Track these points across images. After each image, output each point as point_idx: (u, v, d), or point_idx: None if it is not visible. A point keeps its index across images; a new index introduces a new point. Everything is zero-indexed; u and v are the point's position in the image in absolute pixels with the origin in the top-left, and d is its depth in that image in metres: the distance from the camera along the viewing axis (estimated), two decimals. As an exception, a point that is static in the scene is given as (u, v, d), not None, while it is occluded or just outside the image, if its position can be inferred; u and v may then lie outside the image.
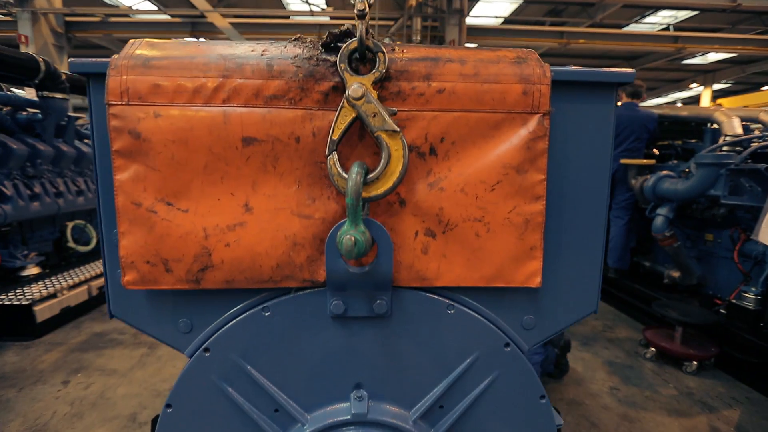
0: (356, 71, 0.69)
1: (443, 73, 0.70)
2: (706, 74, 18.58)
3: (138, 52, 0.69)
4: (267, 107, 0.68)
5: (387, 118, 0.66)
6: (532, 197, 0.72)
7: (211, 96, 0.67)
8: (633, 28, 13.54)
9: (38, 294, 3.69)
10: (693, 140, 4.68)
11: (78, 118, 5.57)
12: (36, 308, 3.60)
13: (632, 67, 15.63)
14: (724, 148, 3.58)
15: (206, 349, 0.78)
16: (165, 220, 0.69)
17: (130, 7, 11.26)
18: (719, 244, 3.87)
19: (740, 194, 3.34)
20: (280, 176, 0.71)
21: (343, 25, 0.71)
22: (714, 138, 4.06)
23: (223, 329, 0.78)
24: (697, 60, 16.20)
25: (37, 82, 4.03)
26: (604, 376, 3.17)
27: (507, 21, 12.57)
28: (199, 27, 11.11)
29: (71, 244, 4.51)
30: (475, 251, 0.74)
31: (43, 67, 3.96)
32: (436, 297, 0.79)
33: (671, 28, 13.05)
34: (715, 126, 4.10)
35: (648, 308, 3.92)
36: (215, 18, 9.94)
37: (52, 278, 4.15)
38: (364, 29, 0.66)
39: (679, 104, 23.56)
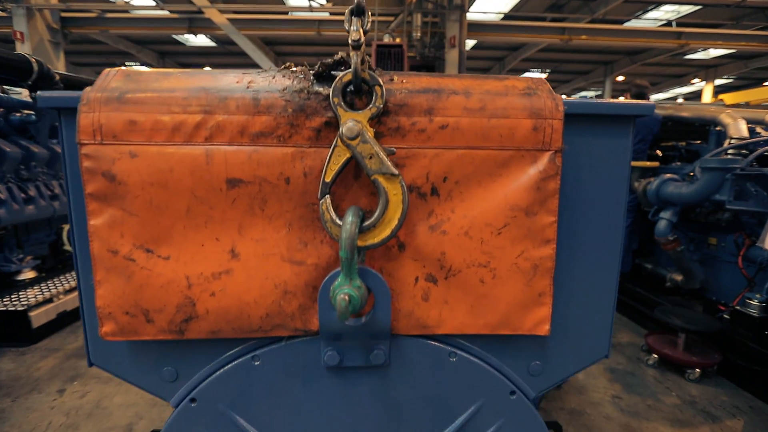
0: (351, 106, 0.63)
1: (446, 107, 0.64)
2: (708, 69, 18.46)
3: (113, 84, 0.63)
4: (253, 145, 0.63)
5: (385, 160, 0.60)
6: (541, 241, 0.67)
7: (193, 134, 0.61)
8: (635, 23, 13.39)
9: (34, 299, 3.64)
10: (697, 141, 4.61)
11: (73, 118, 5.51)
12: (32, 314, 3.56)
13: (633, 62, 15.56)
14: (730, 152, 3.51)
15: (193, 399, 0.73)
16: (144, 268, 0.63)
17: (127, 2, 11.11)
18: (723, 248, 3.82)
19: (746, 199, 3.28)
20: (269, 219, 0.65)
21: (337, 53, 0.66)
22: (719, 140, 3.99)
23: (210, 378, 0.73)
24: (699, 55, 16.07)
25: (30, 83, 3.95)
26: (605, 384, 3.13)
27: (507, 16, 12.43)
28: (196, 23, 10.98)
29: (67, 246, 4.46)
30: (479, 298, 0.69)
31: (36, 67, 3.87)
32: (437, 344, 0.74)
33: (674, 23, 12.90)
34: (720, 128, 4.03)
35: (650, 312, 3.88)
36: (213, 14, 9.82)
37: (48, 282, 4.10)
38: (359, 60, 0.60)
39: (680, 100, 23.41)
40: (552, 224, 0.66)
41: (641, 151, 4.45)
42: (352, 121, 0.60)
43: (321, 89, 0.64)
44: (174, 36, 13.11)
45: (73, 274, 4.28)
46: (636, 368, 3.36)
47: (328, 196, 0.62)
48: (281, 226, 0.66)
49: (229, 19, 10.14)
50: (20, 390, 2.92)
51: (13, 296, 3.67)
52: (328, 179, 0.62)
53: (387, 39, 9.12)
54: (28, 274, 3.99)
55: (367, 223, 0.62)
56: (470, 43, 13.42)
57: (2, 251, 3.92)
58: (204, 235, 0.64)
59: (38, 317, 3.59)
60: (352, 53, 0.60)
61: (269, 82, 0.65)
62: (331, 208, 0.62)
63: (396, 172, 0.61)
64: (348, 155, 0.61)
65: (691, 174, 3.68)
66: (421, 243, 0.67)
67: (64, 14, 10.48)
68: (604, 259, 0.72)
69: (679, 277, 4.15)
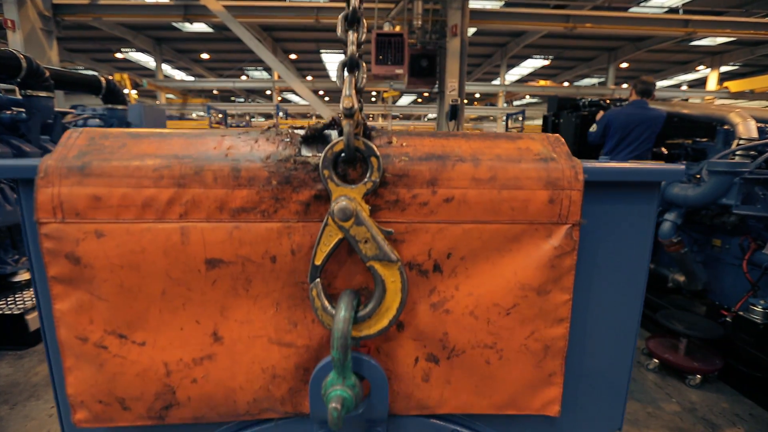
0: (344, 177, 0.56)
1: (452, 177, 0.57)
2: (713, 56, 18.13)
3: (74, 151, 0.56)
4: (234, 221, 0.56)
5: (383, 245, 0.53)
6: (554, 320, 0.61)
7: (165, 210, 0.55)
8: (639, 9, 13.05)
9: (30, 302, 3.60)
10: (704, 139, 4.51)
11: (66, 113, 5.38)
12: (28, 317, 3.52)
13: (638, 49, 15.25)
14: (738, 154, 3.43)
15: (176, 479, 0.68)
16: (118, 356, 0.58)
17: (120, -13, 10.81)
18: (727, 250, 3.76)
19: (754, 203, 3.21)
20: (254, 300, 0.59)
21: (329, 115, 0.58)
22: (727, 139, 3.89)
23: (194, 458, 0.68)
24: (705, 42, 15.74)
25: (19, 80, 3.84)
26: None
27: (509, 3, 12.12)
28: (191, 10, 10.70)
29: (63, 247, 4.40)
30: (484, 378, 0.63)
31: (24, 64, 3.75)
32: (437, 422, 0.69)
33: (681, 10, 12.56)
34: (729, 127, 3.93)
35: (652, 314, 3.84)
36: (209, 1, 9.54)
37: (45, 284, 4.04)
38: (352, 130, 0.53)
39: (684, 87, 23.01)
40: (566, 303, 0.60)
41: (647, 150, 4.36)
42: (344, 200, 0.53)
43: (309, 156, 0.57)
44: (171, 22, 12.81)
45: (70, 274, 4.23)
46: (636, 373, 3.34)
47: (318, 280, 0.56)
48: (268, 306, 0.59)
49: (226, 6, 9.86)
50: (18, 396, 2.91)
51: (9, 299, 3.63)
52: (318, 262, 0.55)
53: (387, 27, 8.91)
54: (25, 276, 3.94)
55: (361, 313, 0.55)
56: (471, 30, 13.14)
57: (-4, 253, 3.85)
58: (183, 318, 0.58)
59: (35, 321, 3.56)
60: (344, 121, 0.52)
61: (251, 147, 0.58)
62: (322, 294, 0.56)
63: (394, 258, 0.54)
64: (340, 236, 0.54)
65: (698, 176, 3.60)
66: (422, 322, 0.61)
67: (56, 1, 10.20)
68: (621, 332, 0.66)
69: (681, 278, 4.11)
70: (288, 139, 0.58)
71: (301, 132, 0.59)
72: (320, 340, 0.61)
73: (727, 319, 3.32)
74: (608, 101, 4.94)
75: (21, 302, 3.59)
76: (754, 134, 3.57)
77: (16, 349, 3.48)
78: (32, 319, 3.54)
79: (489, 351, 0.61)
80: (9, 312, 3.43)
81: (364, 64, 0.57)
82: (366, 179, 0.55)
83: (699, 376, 3.13)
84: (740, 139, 3.60)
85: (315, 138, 0.59)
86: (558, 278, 0.59)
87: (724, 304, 3.84)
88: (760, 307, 3.05)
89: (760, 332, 2.99)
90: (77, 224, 0.54)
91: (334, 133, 0.61)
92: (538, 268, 0.58)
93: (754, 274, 3.32)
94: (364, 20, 0.59)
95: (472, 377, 0.63)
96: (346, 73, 0.56)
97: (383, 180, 0.56)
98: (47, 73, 4.01)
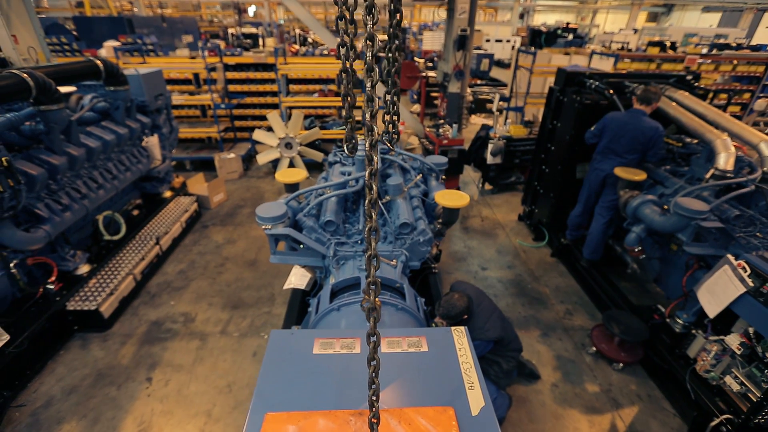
0: None
1: None
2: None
3: None
4: None
5: None
6: None
7: None
8: None
9: (100, 297, 4.44)
10: (695, 141, 4.70)
11: (70, 95, 5.35)
12: (102, 309, 4.40)
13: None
14: (706, 192, 3.80)
15: None
16: None
17: None
18: (680, 256, 4.42)
19: (704, 241, 3.75)
20: None
21: None
22: (710, 158, 4.16)
23: None
24: None
25: (32, 100, 3.97)
26: (550, 372, 4.12)
27: None
28: None
29: (107, 236, 5.06)
30: None
31: (32, 83, 3.84)
32: None
33: None
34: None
35: (608, 302, 4.71)
36: None
37: (103, 272, 4.83)
38: None
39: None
40: None
41: (635, 160, 4.61)
42: None
43: None
44: None
45: (119, 260, 4.97)
46: (577, 356, 4.31)
47: None
48: None
49: None
50: (118, 378, 3.91)
51: (80, 293, 4.46)
52: None
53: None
54: (84, 269, 4.70)
55: None
56: None
57: (56, 251, 4.53)
58: None
59: (107, 310, 4.46)
60: None
61: None
62: None
63: None
64: None
65: (666, 207, 4.02)
66: None
67: None
68: None
69: (639, 270, 4.87)
70: None
71: None
72: None
73: (656, 319, 4.18)
74: (611, 92, 4.88)
75: (92, 296, 4.43)
76: (730, 168, 3.86)
77: (98, 331, 4.46)
78: (105, 310, 4.43)
79: None
80: (87, 308, 4.30)
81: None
82: None
83: (622, 364, 4.14)
84: (716, 169, 3.91)
85: None
86: None
87: (667, 296, 4.68)
88: (681, 320, 3.87)
89: (675, 338, 3.88)
90: None
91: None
92: None
93: (691, 285, 4.05)
94: None
95: None
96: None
97: None
98: (54, 84, 4.06)
